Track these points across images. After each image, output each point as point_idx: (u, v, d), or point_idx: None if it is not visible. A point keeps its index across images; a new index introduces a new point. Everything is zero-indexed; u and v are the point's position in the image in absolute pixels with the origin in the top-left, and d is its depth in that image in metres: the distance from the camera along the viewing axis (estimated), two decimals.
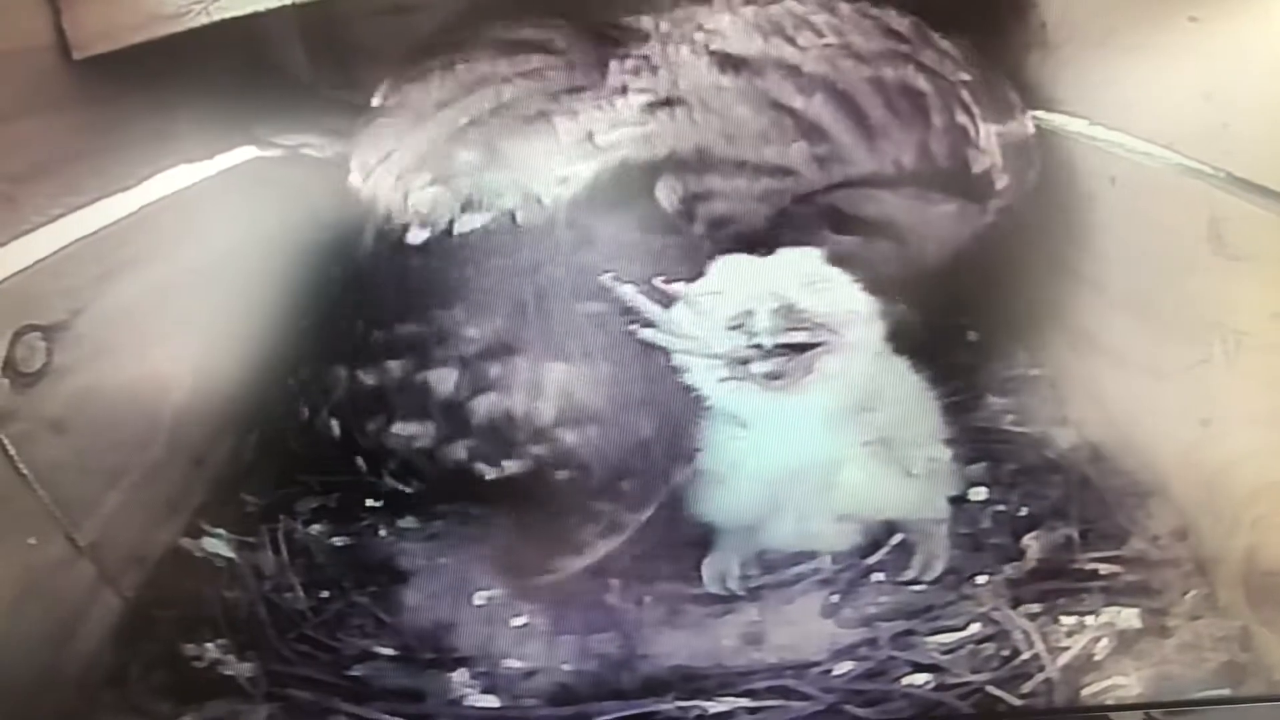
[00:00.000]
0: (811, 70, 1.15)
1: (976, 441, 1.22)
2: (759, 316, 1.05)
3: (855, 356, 1.09)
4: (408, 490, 1.19)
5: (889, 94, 1.16)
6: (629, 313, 1.08)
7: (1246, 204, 1.01)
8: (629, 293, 1.08)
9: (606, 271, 1.09)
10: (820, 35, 1.17)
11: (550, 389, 1.08)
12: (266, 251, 1.25)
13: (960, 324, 1.40)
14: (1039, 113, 1.24)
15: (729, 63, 1.16)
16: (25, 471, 1.04)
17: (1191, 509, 1.13)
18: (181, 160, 1.23)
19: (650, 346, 1.08)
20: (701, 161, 1.14)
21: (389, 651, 1.13)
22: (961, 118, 1.17)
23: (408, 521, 1.25)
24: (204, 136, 1.25)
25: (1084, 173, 1.21)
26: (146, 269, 1.18)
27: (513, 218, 1.14)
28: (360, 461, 1.20)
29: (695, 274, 1.10)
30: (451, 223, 1.15)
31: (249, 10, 1.11)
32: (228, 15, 1.11)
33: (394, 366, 1.14)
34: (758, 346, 1.06)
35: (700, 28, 1.18)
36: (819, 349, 1.07)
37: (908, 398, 1.15)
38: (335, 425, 1.20)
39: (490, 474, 1.11)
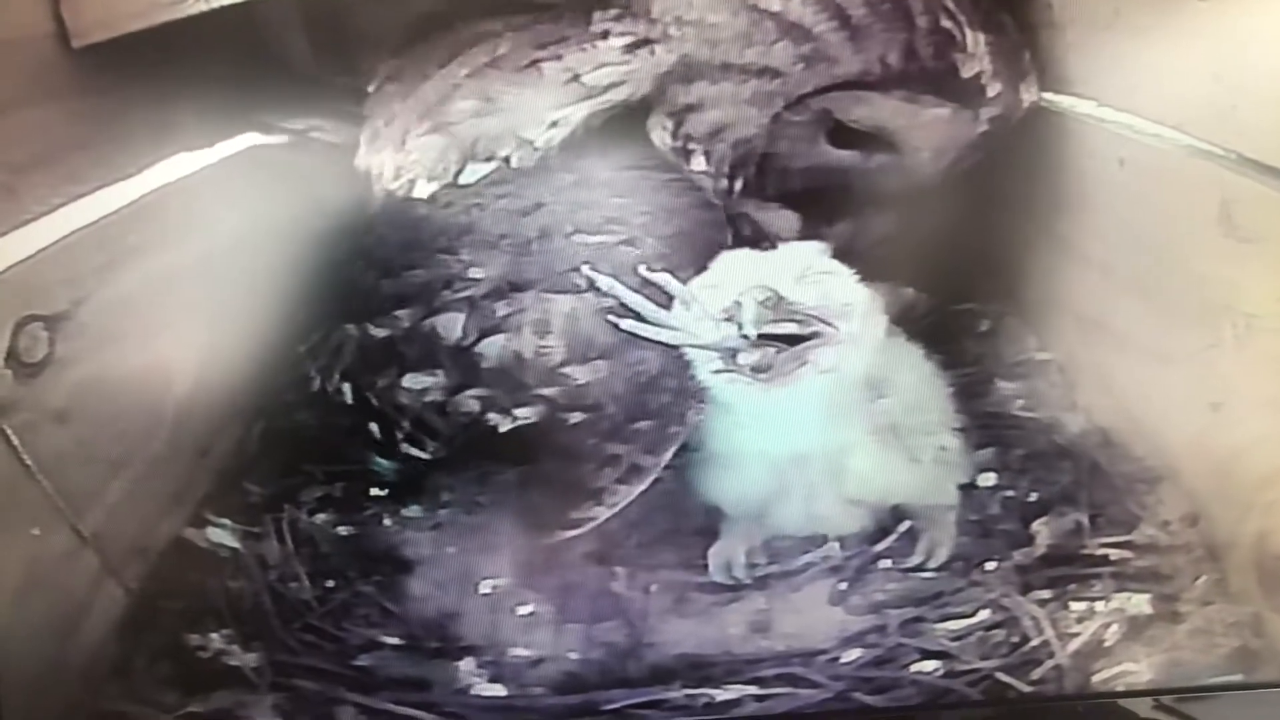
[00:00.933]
0: None
1: (986, 427, 1.21)
2: (745, 308, 1.05)
3: (851, 350, 1.09)
4: (424, 456, 1.18)
5: None
6: (609, 301, 1.11)
7: (1257, 185, 1.00)
8: (607, 283, 1.10)
9: (586, 264, 1.12)
10: None
11: (557, 324, 1.11)
12: (270, 238, 1.25)
13: (969, 309, 1.39)
14: (1046, 94, 1.23)
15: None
16: (29, 462, 1.04)
17: (1202, 494, 1.12)
18: (183, 148, 1.22)
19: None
20: (687, 70, 1.17)
21: (395, 641, 1.12)
22: (946, 22, 1.17)
23: (412, 510, 1.24)
24: (205, 124, 1.24)
25: (1092, 154, 1.20)
26: (149, 258, 1.17)
27: (507, 161, 1.17)
28: (374, 428, 1.19)
29: (691, 267, 1.12)
30: (457, 173, 1.18)
31: None
32: (227, 2, 1.11)
33: (402, 315, 1.16)
34: (744, 338, 1.06)
35: None
36: (811, 341, 1.07)
37: (918, 385, 1.15)
38: (347, 389, 1.20)
39: (504, 424, 1.12)
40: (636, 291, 1.10)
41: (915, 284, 1.23)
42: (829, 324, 1.07)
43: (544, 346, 1.11)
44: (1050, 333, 1.34)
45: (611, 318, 1.10)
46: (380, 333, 1.17)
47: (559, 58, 1.19)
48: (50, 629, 1.07)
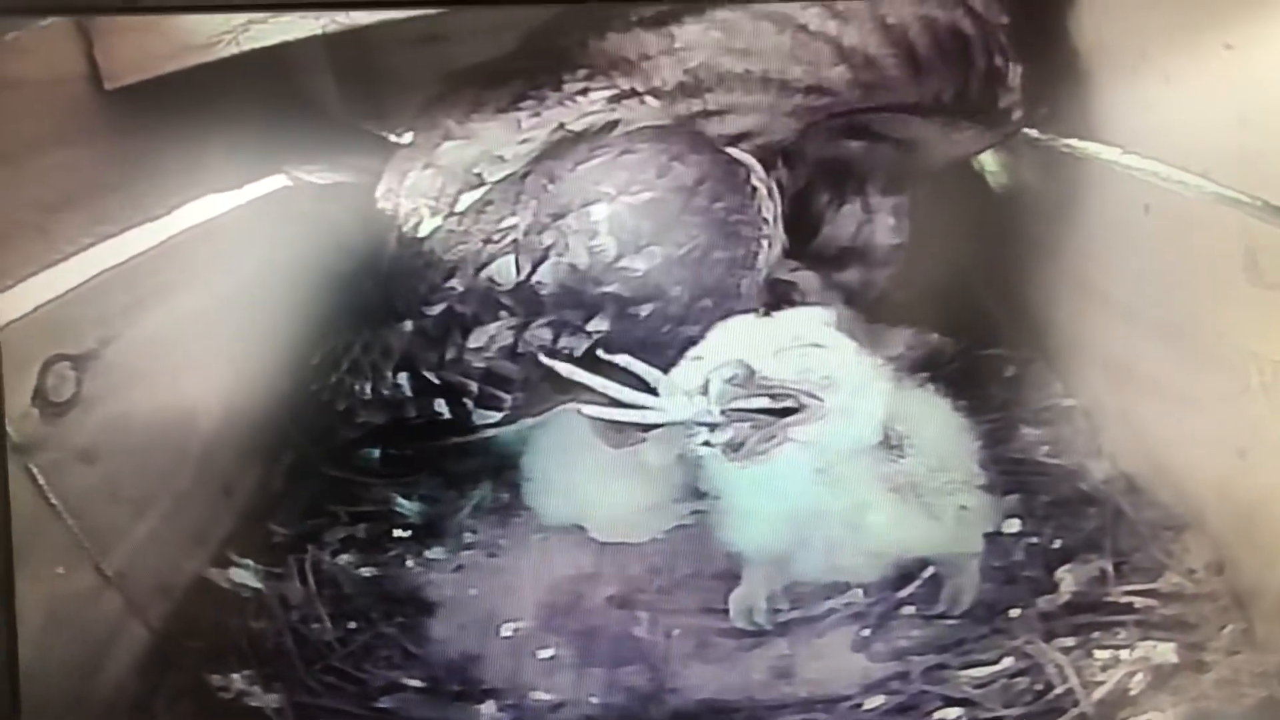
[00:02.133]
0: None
1: (1010, 473, 1.21)
2: (711, 385, 1.07)
3: (841, 422, 1.08)
4: (498, 415, 1.19)
5: (938, 34, 1.19)
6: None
7: None
8: (566, 370, 1.15)
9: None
10: None
11: (602, 226, 1.13)
12: (297, 279, 1.25)
13: (996, 354, 1.39)
14: (1071, 140, 1.23)
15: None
16: (54, 501, 1.05)
17: (1229, 542, 1.11)
18: (212, 189, 1.23)
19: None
20: (699, 83, 1.20)
21: (416, 683, 1.12)
22: (998, 60, 1.21)
23: (435, 552, 1.24)
24: (234, 166, 1.25)
25: (1117, 200, 1.20)
26: (177, 298, 1.18)
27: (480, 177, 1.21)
28: (442, 405, 1.20)
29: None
30: (453, 202, 1.21)
31: (279, 40, 1.12)
32: (258, 45, 1.12)
33: (454, 283, 1.18)
34: (710, 414, 1.08)
35: None
36: (790, 416, 1.07)
37: (942, 442, 1.15)
38: (405, 380, 1.22)
39: (580, 346, 1.15)
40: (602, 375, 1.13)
41: (940, 330, 1.23)
42: (813, 397, 1.07)
43: (595, 246, 1.13)
44: (1076, 378, 1.33)
45: (574, 406, 1.14)
46: (435, 309, 1.19)
47: (537, 114, 1.22)
48: (73, 667, 1.07)
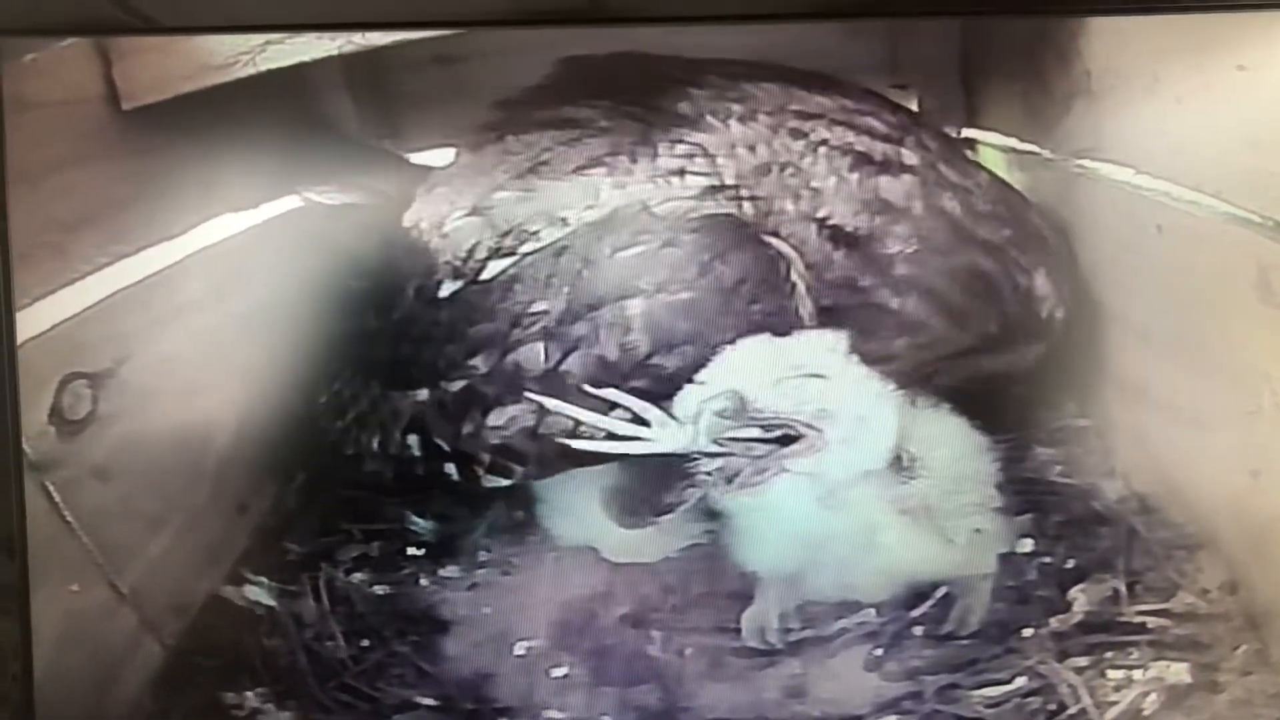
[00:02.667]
0: (903, 273, 1.19)
1: (1023, 493, 1.21)
2: (701, 417, 1.07)
3: (842, 452, 1.09)
4: (508, 480, 1.18)
5: (962, 280, 1.20)
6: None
7: None
8: (554, 404, 1.13)
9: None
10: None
11: (636, 323, 1.12)
12: (311, 299, 1.25)
13: (1008, 374, 1.38)
14: (1084, 161, 1.23)
15: (840, 238, 1.18)
16: (70, 518, 1.05)
17: (1242, 562, 1.11)
18: (228, 209, 1.23)
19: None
20: None
21: (430, 702, 1.12)
22: (1022, 279, 1.23)
23: (449, 570, 1.24)
24: (250, 185, 1.25)
25: (1130, 221, 1.20)
26: (192, 317, 1.19)
27: (537, 236, 1.18)
28: (450, 468, 1.19)
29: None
30: (479, 269, 1.19)
31: (295, 61, 1.12)
32: (274, 66, 1.12)
33: (478, 362, 1.16)
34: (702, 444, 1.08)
35: (797, 174, 1.20)
36: (786, 447, 1.08)
37: (956, 464, 1.15)
38: (415, 441, 1.20)
39: (600, 433, 1.13)
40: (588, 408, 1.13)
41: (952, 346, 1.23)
42: (810, 427, 1.07)
43: (628, 342, 1.12)
44: (1089, 398, 1.33)
45: (562, 439, 1.13)
46: (455, 385, 1.17)
47: (622, 186, 1.19)
48: (88, 683, 1.07)
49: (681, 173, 1.18)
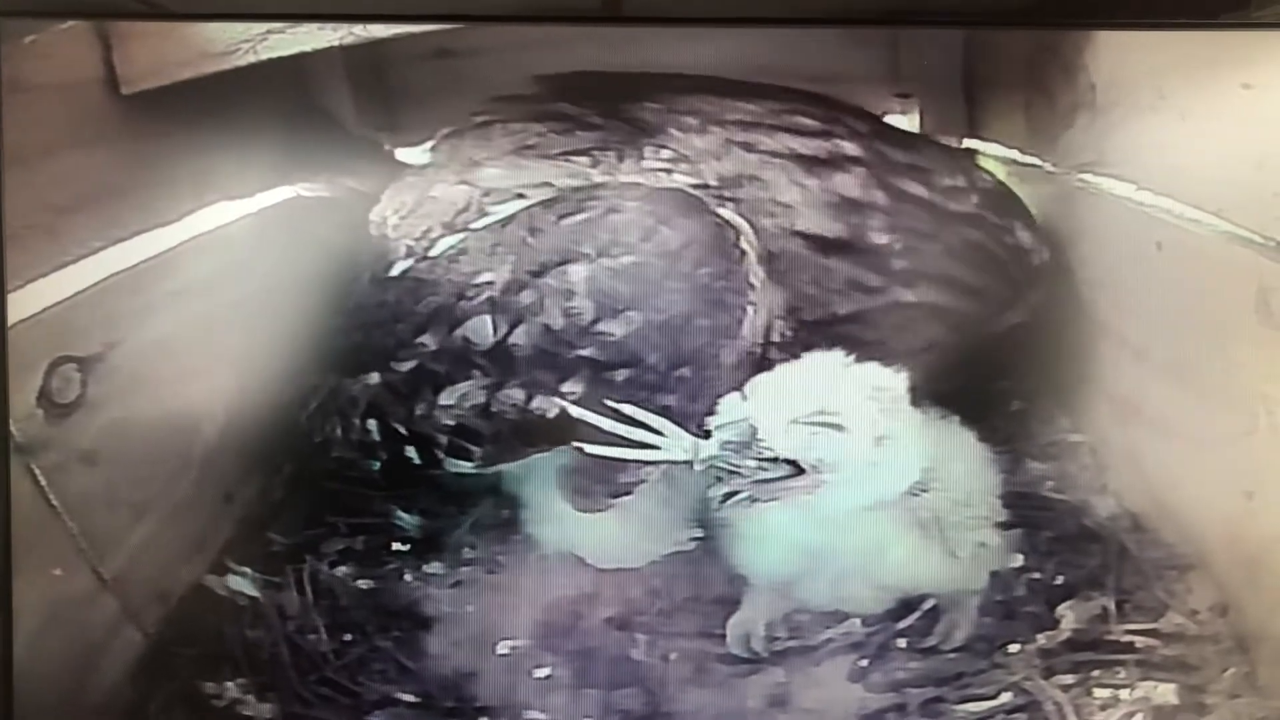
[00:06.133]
0: (902, 266, 1.21)
1: (1014, 507, 1.20)
2: (714, 437, 1.06)
3: (844, 490, 1.08)
4: (469, 464, 1.17)
5: (961, 256, 1.23)
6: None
7: None
8: (578, 413, 1.11)
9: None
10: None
11: (580, 287, 1.11)
12: (304, 289, 1.25)
13: (1002, 386, 1.38)
14: (1086, 175, 1.23)
15: (827, 245, 1.19)
16: (55, 502, 1.05)
17: (1233, 584, 1.11)
18: (223, 197, 1.23)
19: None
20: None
21: (410, 698, 1.12)
22: (1007, 237, 1.25)
23: (434, 567, 1.24)
24: (246, 174, 1.25)
25: (1130, 237, 1.20)
26: (184, 304, 1.19)
27: (523, 196, 1.18)
28: (411, 451, 1.18)
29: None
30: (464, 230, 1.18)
31: (296, 50, 1.12)
32: (275, 55, 1.12)
33: (426, 340, 1.15)
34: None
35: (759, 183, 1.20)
36: (792, 480, 1.07)
37: (967, 478, 1.14)
38: (373, 426, 1.19)
39: (552, 409, 1.12)
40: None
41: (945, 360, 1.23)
42: (815, 470, 1.07)
43: (572, 308, 1.11)
44: (1083, 414, 1.33)
45: (577, 444, 1.11)
46: (405, 365, 1.16)
47: (595, 164, 1.19)
48: (67, 669, 1.07)
49: (668, 172, 1.18)
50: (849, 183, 1.19)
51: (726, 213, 1.15)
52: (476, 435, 1.14)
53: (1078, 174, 1.24)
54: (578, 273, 1.11)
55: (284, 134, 1.27)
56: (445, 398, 1.14)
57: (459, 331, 1.14)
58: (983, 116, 1.32)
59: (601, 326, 1.11)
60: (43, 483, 1.04)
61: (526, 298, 1.12)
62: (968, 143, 1.31)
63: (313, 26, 1.13)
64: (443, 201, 1.20)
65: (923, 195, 1.22)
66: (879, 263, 1.19)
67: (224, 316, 1.22)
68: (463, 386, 1.14)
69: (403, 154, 1.33)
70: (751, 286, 1.13)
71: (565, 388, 1.11)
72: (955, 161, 1.26)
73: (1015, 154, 1.29)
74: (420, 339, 1.15)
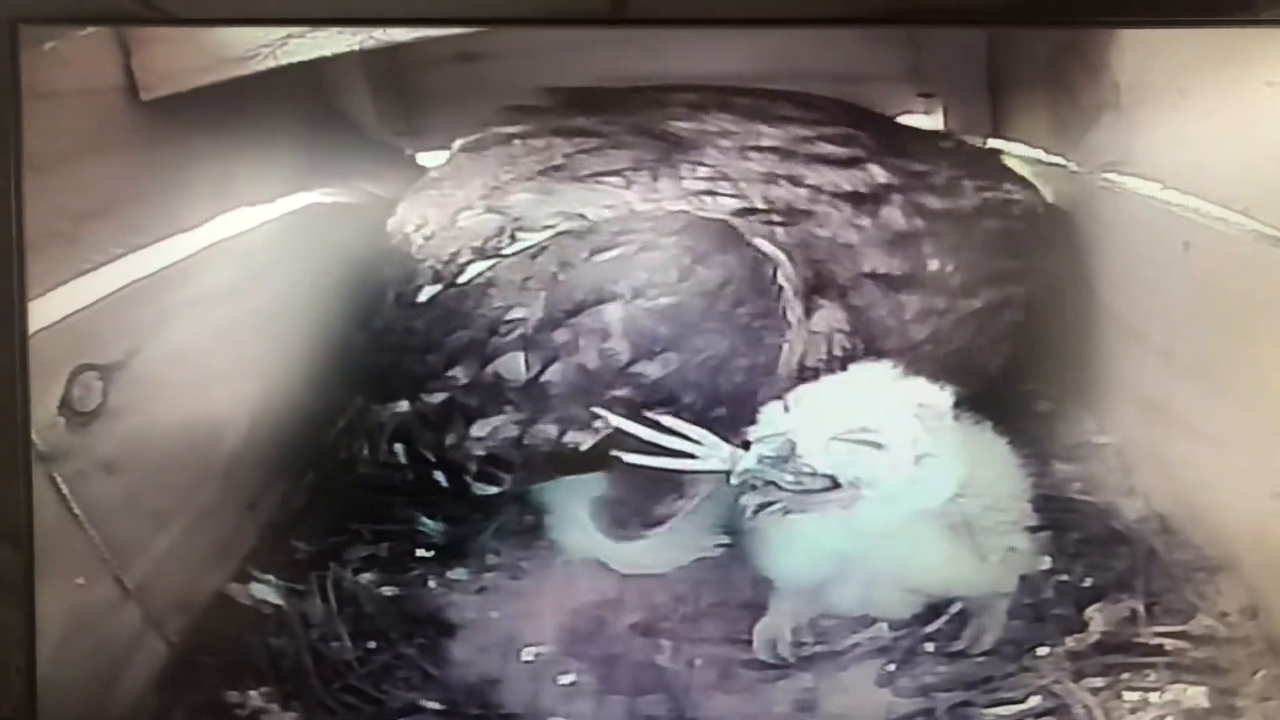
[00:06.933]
0: (958, 282, 1.24)
1: (1041, 510, 1.19)
2: (743, 459, 1.05)
3: (872, 508, 1.06)
4: (497, 488, 1.16)
5: (997, 248, 1.25)
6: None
7: None
8: (618, 421, 1.10)
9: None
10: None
11: (616, 328, 1.10)
12: (324, 296, 1.25)
13: (1029, 389, 1.38)
14: (1111, 174, 1.22)
15: (896, 283, 1.21)
16: (77, 511, 1.05)
17: (1263, 586, 1.10)
18: (243, 203, 1.23)
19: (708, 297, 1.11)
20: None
21: (435, 706, 1.11)
22: (1015, 208, 1.28)
23: (458, 573, 1.24)
24: (266, 180, 1.25)
25: (1156, 236, 1.19)
26: (205, 310, 1.18)
27: (553, 230, 1.16)
28: (439, 475, 1.18)
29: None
30: (504, 245, 1.17)
31: (315, 55, 1.12)
32: (295, 59, 1.12)
33: (457, 373, 1.15)
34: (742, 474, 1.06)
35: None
36: (827, 494, 1.05)
37: (999, 484, 1.14)
38: (401, 450, 1.19)
39: (586, 441, 1.11)
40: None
41: (973, 363, 1.23)
42: (854, 486, 1.05)
43: (608, 349, 1.10)
44: (1110, 416, 1.32)
45: (615, 452, 1.10)
46: (436, 397, 1.16)
47: (629, 184, 1.18)
48: (91, 679, 1.07)
49: (711, 194, 1.18)
50: (895, 215, 1.20)
51: (764, 244, 1.13)
52: (508, 464, 1.14)
53: (1102, 173, 1.24)
54: (613, 313, 1.11)
55: (304, 139, 1.27)
56: (477, 430, 1.14)
57: (491, 367, 1.13)
58: (1007, 116, 1.32)
59: (638, 368, 1.10)
60: (65, 491, 1.04)
61: (560, 336, 1.11)
62: (992, 142, 1.31)
63: (332, 31, 1.12)
64: (469, 229, 1.19)
65: (938, 207, 1.23)
66: (940, 284, 1.19)
67: (245, 323, 1.22)
68: (495, 420, 1.13)
69: (424, 158, 1.33)
70: (789, 324, 1.12)
71: (599, 424, 1.11)
72: (932, 144, 1.27)
73: (1040, 154, 1.29)
74: (451, 372, 1.15)
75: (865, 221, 1.20)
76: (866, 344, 1.17)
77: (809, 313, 1.14)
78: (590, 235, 1.14)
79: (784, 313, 1.12)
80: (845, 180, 1.21)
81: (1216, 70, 1.11)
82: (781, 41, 1.23)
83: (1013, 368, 1.28)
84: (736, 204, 1.17)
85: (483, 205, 1.19)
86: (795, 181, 1.20)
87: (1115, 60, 1.22)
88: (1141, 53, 1.20)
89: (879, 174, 1.22)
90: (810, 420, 1.05)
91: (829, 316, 1.16)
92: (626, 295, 1.11)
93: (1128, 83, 1.22)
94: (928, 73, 1.32)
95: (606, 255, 1.13)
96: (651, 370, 1.10)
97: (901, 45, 1.31)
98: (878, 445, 1.05)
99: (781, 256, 1.13)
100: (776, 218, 1.17)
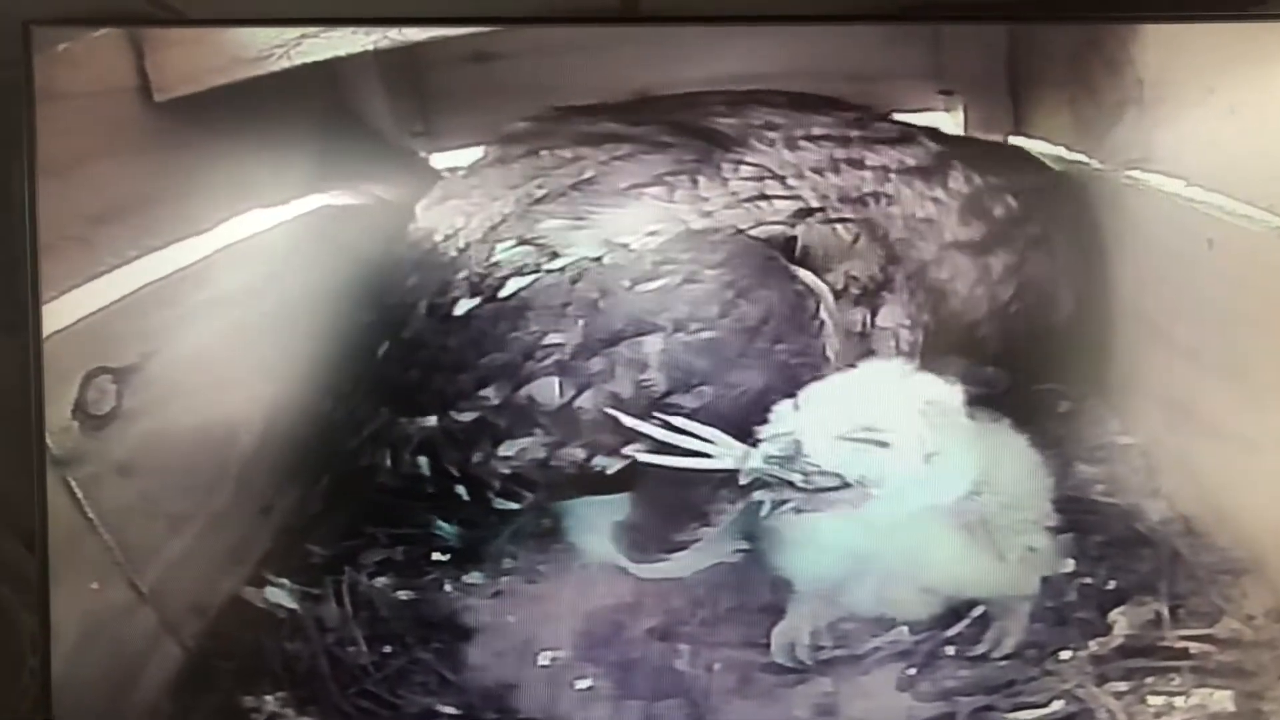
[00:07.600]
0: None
1: (1064, 511, 1.18)
2: (749, 458, 1.05)
3: (883, 507, 1.06)
4: (519, 504, 1.17)
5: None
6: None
7: None
8: (631, 421, 1.09)
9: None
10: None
11: (654, 360, 1.10)
12: (343, 300, 1.25)
13: (1051, 389, 1.37)
14: (1134, 172, 1.21)
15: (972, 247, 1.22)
16: (91, 515, 1.05)
17: None
18: (258, 204, 1.23)
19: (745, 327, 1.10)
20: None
21: (451, 710, 1.11)
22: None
23: (474, 577, 1.23)
24: (281, 181, 1.25)
25: (1180, 234, 1.18)
26: (220, 313, 1.18)
27: (599, 260, 1.15)
28: (461, 489, 1.18)
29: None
30: (536, 271, 1.16)
31: (330, 55, 1.11)
32: (309, 60, 1.12)
33: (489, 394, 1.14)
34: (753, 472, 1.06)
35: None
36: (835, 493, 1.05)
37: (1017, 482, 1.13)
38: (424, 463, 1.19)
39: (613, 466, 1.11)
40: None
41: (996, 361, 1.22)
42: (861, 485, 1.05)
43: (644, 380, 1.10)
44: (1133, 416, 1.31)
45: (629, 450, 1.10)
46: (466, 416, 1.15)
47: (672, 192, 1.18)
48: (106, 683, 1.07)
49: (763, 197, 1.17)
50: (960, 182, 1.22)
51: (808, 276, 1.12)
52: (531, 483, 1.14)
53: (1125, 171, 1.23)
54: (652, 344, 1.10)
55: (319, 140, 1.26)
56: (504, 450, 1.14)
57: (525, 390, 1.13)
58: (1028, 113, 1.31)
59: (673, 399, 1.09)
60: (79, 495, 1.04)
61: (596, 365, 1.11)
62: (1013, 140, 1.30)
63: (346, 30, 1.12)
64: (505, 260, 1.18)
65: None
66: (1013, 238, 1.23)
67: (260, 326, 1.21)
68: (523, 441, 1.13)
69: (437, 160, 1.32)
70: (827, 360, 1.11)
71: (627, 450, 1.11)
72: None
73: (1062, 151, 1.28)
74: (483, 392, 1.14)
75: (939, 192, 1.20)
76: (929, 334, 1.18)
77: (875, 311, 1.15)
78: (635, 264, 1.14)
79: (824, 349, 1.11)
80: (909, 156, 1.22)
81: (1241, 66, 1.10)
82: (799, 39, 1.22)
83: (1034, 366, 1.27)
84: (791, 205, 1.16)
85: (515, 238, 1.18)
86: (857, 165, 1.20)
87: (1138, 56, 1.21)
88: (1165, 48, 1.19)
89: (932, 146, 1.24)
90: (818, 418, 1.05)
91: (892, 313, 1.16)
92: (668, 328, 1.10)
93: (1151, 79, 1.21)
94: (948, 69, 1.31)
95: (649, 286, 1.12)
96: (687, 401, 1.09)
97: (921, 42, 1.30)
98: (882, 444, 1.04)
99: (824, 289, 1.13)
100: (838, 210, 1.16)
